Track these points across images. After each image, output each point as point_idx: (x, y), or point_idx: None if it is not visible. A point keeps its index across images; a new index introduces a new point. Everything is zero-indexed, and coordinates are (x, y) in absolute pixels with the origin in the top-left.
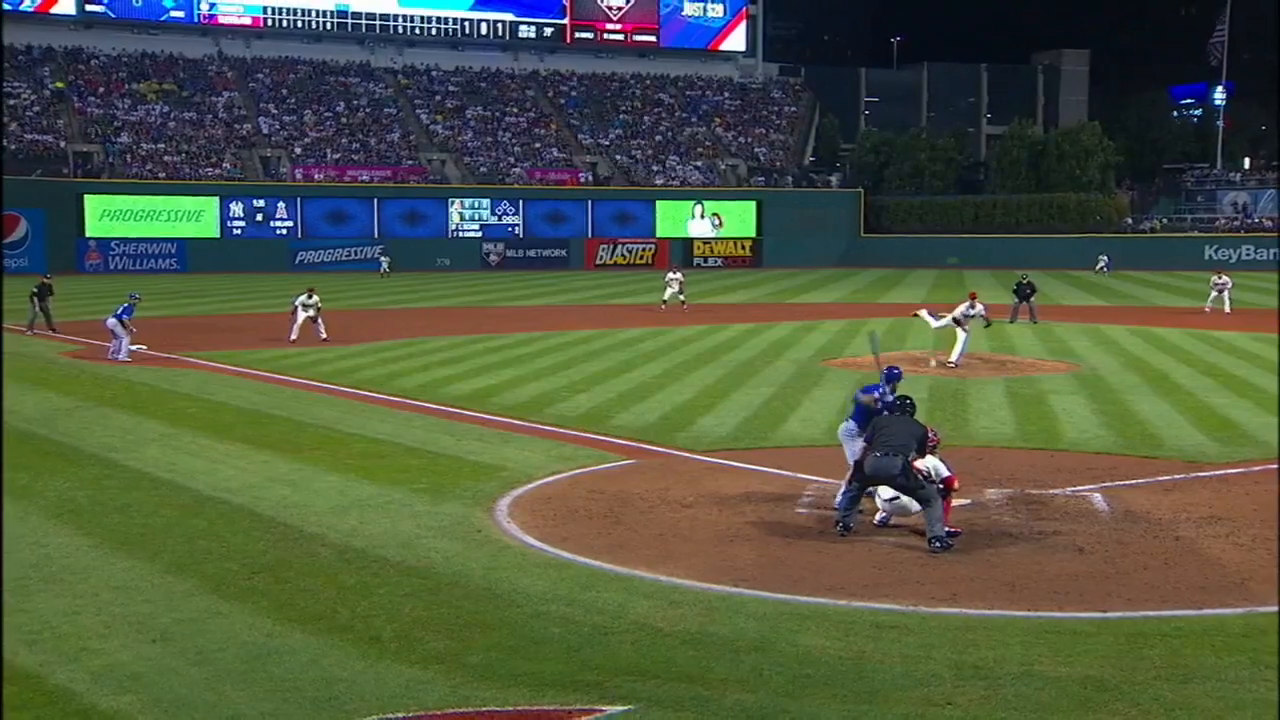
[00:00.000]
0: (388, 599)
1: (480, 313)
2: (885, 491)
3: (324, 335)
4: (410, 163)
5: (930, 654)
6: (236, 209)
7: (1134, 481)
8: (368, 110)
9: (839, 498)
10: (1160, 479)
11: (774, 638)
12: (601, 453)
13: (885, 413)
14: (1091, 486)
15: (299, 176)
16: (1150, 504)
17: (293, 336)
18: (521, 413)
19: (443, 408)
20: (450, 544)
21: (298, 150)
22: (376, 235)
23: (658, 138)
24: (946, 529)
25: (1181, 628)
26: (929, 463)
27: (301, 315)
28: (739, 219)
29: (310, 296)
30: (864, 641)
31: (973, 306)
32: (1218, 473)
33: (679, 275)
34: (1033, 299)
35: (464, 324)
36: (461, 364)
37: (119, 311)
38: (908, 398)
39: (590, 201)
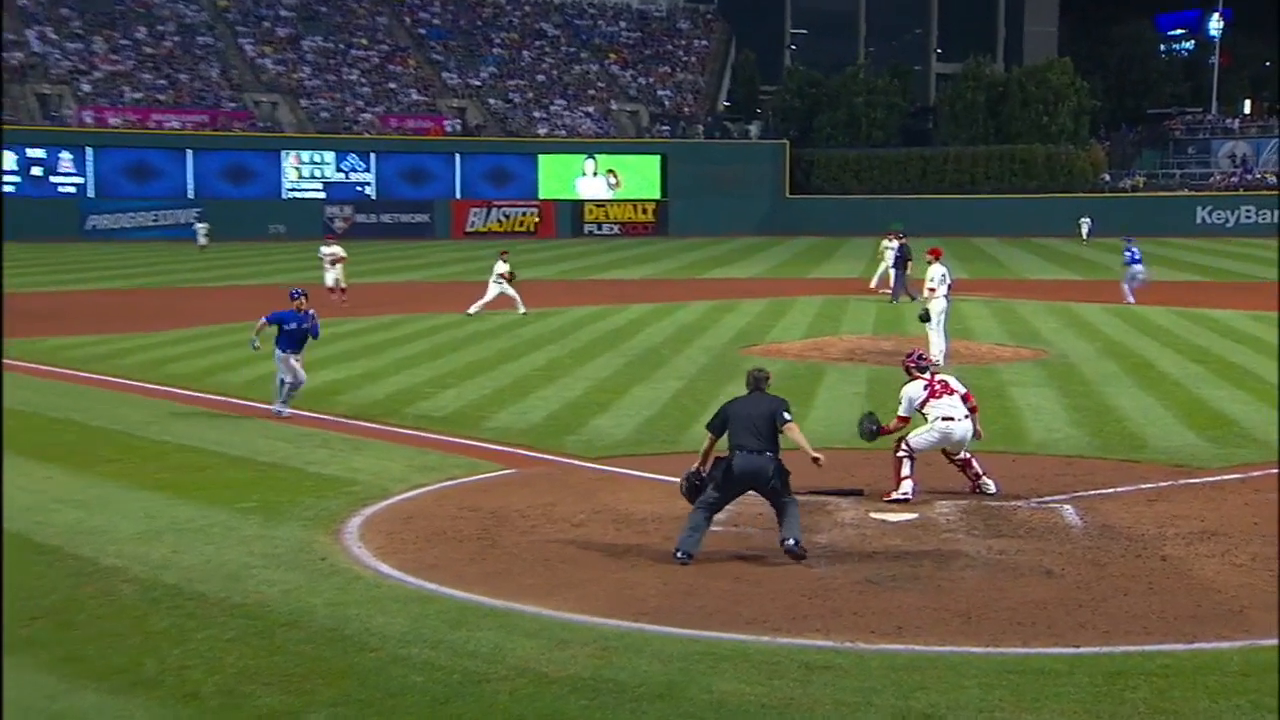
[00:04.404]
0: (208, 645)
1: (323, 291)
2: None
3: (523, 310)
4: (233, 105)
5: (870, 699)
6: (7, 160)
7: (1112, 490)
8: (176, 39)
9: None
10: (1143, 487)
11: (683, 682)
12: (474, 461)
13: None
14: (1062, 497)
15: (88, 120)
16: (1131, 517)
17: (480, 306)
18: (376, 413)
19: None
20: (287, 575)
21: (86, 87)
22: (191, 195)
23: (540, 77)
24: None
25: (1169, 665)
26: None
27: (494, 289)
28: (640, 177)
29: (506, 262)
30: (791, 686)
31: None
32: (1211, 479)
33: (334, 250)
34: (907, 269)
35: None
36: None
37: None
38: (761, 370)
39: (458, 155)
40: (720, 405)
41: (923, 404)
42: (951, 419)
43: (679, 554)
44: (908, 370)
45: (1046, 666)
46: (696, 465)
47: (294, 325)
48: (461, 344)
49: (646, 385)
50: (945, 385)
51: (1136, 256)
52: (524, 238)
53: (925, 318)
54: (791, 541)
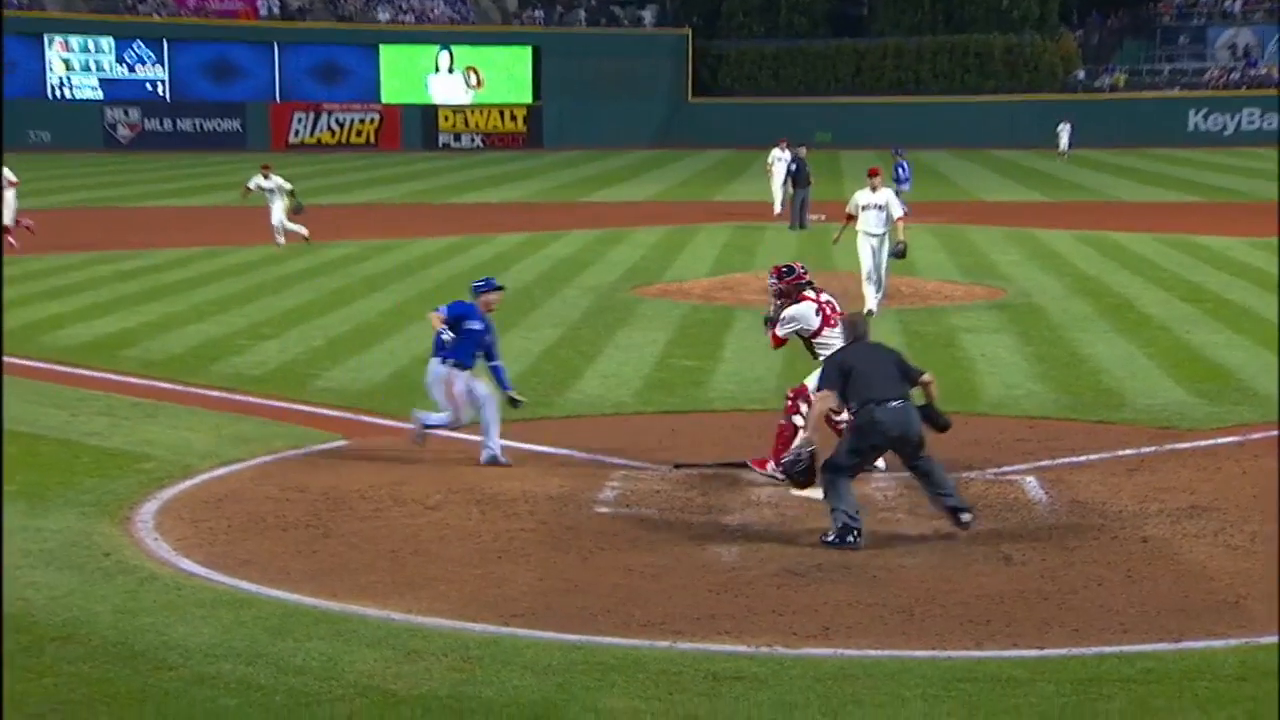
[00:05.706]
0: None
1: (105, 216)
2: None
3: (305, 232)
4: None
5: (792, 715)
6: None
7: (1084, 458)
8: None
9: (833, 488)
10: (1121, 454)
11: (563, 700)
12: (301, 430)
13: (850, 340)
14: (1023, 466)
15: None
16: (1107, 490)
17: (280, 240)
18: (176, 371)
19: (47, 365)
20: (60, 576)
21: None
22: None
23: None
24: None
25: (1152, 669)
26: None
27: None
28: (506, 75)
29: (268, 178)
30: (695, 701)
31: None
32: (1202, 443)
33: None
34: (807, 191)
35: (80, 234)
36: (76, 296)
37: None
38: (859, 314)
39: (276, 46)
40: (830, 359)
41: (814, 335)
42: None
43: (851, 537)
44: (783, 293)
45: (1005, 673)
46: (809, 433)
47: (479, 326)
48: (284, 283)
49: (516, 333)
50: (834, 308)
51: (905, 174)
52: (363, 150)
53: (902, 253)
54: (968, 516)
